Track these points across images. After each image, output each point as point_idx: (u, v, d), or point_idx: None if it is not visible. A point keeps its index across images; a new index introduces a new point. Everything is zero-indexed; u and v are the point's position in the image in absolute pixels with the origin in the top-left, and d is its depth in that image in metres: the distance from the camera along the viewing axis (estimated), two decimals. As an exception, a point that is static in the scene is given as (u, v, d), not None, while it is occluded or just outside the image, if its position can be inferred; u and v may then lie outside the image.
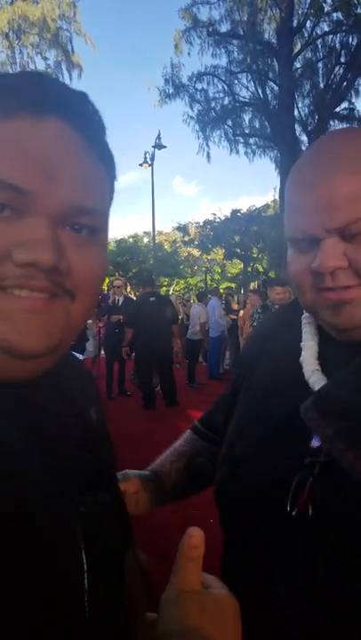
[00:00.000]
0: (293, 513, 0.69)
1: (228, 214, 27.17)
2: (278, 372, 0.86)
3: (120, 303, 8.31)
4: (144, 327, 7.20)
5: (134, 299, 9.42)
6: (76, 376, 0.75)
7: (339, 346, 0.77)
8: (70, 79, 18.47)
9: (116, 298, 8.39)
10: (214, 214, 29.81)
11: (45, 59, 17.93)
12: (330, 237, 0.67)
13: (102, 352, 8.81)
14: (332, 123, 16.18)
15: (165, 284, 39.15)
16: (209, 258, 33.29)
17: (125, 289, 10.66)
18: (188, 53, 17.16)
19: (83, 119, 0.55)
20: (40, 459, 0.55)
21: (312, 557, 0.67)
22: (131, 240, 40.63)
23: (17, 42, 17.21)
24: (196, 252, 35.03)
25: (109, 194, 0.62)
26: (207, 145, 17.95)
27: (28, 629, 0.47)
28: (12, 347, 0.51)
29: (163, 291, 33.88)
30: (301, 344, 0.82)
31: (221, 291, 13.68)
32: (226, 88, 17.08)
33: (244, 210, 27.56)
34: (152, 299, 7.42)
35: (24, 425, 0.56)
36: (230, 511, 0.84)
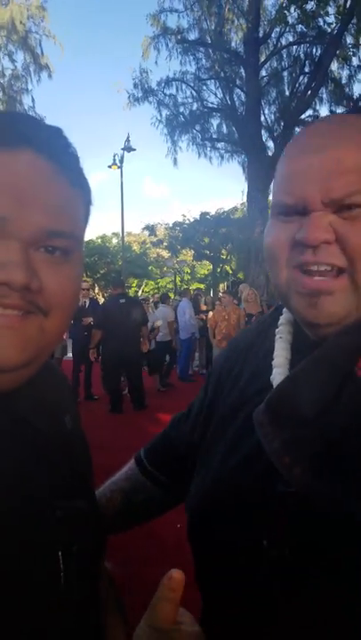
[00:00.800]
0: (271, 551, 0.65)
1: (198, 216, 27.35)
2: (250, 394, 0.80)
3: (87, 305, 8.17)
4: (112, 329, 7.06)
5: (101, 300, 9.26)
6: (52, 383, 0.76)
7: (311, 349, 0.68)
8: (39, 81, 18.47)
9: (83, 300, 8.17)
10: (184, 216, 29.91)
11: (13, 61, 17.85)
12: (321, 210, 0.63)
13: (68, 355, 8.65)
14: (297, 129, 16.62)
15: (135, 285, 38.96)
16: (178, 259, 33.45)
17: (93, 290, 10.52)
18: (156, 62, 17.46)
19: (55, 149, 0.59)
20: (15, 465, 0.58)
21: (292, 601, 0.62)
22: (99, 241, 40.23)
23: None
24: (165, 254, 35.07)
25: (84, 217, 0.65)
26: (175, 149, 18.20)
27: (3, 629, 0.50)
28: None
29: (132, 292, 33.71)
30: (273, 362, 0.76)
31: (191, 292, 13.65)
32: (194, 94, 17.37)
33: (213, 212, 27.83)
34: (122, 300, 7.29)
35: (4, 434, 0.59)
36: (205, 551, 0.77)
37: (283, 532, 0.64)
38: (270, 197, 0.83)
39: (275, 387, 0.69)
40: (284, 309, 0.81)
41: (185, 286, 29.04)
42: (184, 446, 0.93)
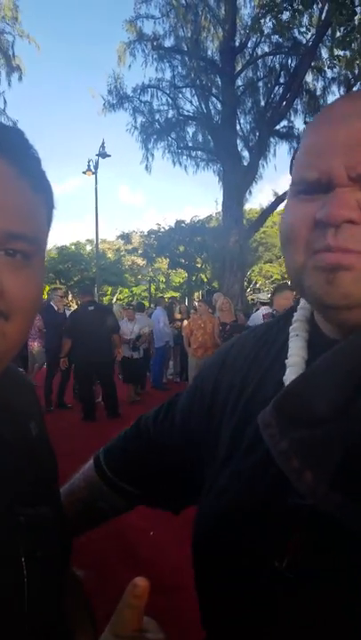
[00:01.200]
0: (284, 570, 0.59)
1: (173, 224, 27.39)
2: (258, 401, 0.72)
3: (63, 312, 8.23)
4: (82, 337, 7.02)
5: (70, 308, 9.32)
6: (16, 389, 0.76)
7: (328, 348, 0.62)
8: (9, 83, 18.15)
9: (63, 309, 8.29)
10: (158, 224, 30.01)
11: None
12: (348, 185, 0.57)
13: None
14: (272, 139, 16.79)
15: (109, 292, 38.84)
16: (153, 267, 33.42)
17: (67, 297, 10.48)
18: (129, 66, 17.33)
19: (15, 152, 0.58)
20: None
21: (305, 623, 0.58)
22: (73, 247, 40.01)
23: None
24: (140, 261, 35.04)
25: (46, 221, 0.65)
26: (150, 156, 18.11)
27: None
28: None
29: (106, 299, 33.60)
30: (286, 361, 0.70)
31: (166, 300, 13.73)
32: (170, 101, 17.34)
33: (188, 220, 27.91)
34: (91, 308, 7.26)
35: None
36: (212, 570, 0.71)
37: (296, 551, 0.59)
38: (245, 206, 0.74)
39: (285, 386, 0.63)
40: (299, 306, 0.76)
41: (160, 294, 28.97)
42: (167, 452, 0.88)
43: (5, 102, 17.61)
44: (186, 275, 31.21)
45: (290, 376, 0.66)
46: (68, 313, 8.38)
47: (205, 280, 28.51)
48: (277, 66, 15.80)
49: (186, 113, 17.43)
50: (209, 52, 16.51)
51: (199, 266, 28.12)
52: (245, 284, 25.01)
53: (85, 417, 7.27)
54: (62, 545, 0.72)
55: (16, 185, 0.57)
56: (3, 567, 0.56)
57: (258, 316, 7.88)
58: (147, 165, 18.28)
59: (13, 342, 0.59)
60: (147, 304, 16.29)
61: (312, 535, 0.58)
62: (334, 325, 0.65)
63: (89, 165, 20.06)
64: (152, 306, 13.08)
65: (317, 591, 0.57)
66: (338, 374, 0.57)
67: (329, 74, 15.47)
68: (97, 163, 19.99)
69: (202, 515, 0.77)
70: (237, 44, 15.43)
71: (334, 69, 14.16)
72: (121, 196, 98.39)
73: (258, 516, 0.65)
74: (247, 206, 23.74)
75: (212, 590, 0.71)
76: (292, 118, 16.57)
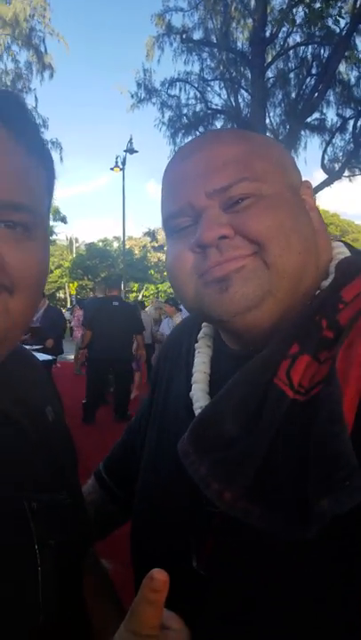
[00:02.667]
0: (200, 570, 0.63)
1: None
2: (171, 411, 0.78)
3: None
4: (101, 331, 6.74)
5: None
6: (30, 374, 0.74)
7: (233, 362, 0.67)
8: (42, 81, 18.24)
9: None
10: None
11: (17, 61, 17.68)
12: (211, 207, 0.62)
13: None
14: (303, 132, 16.42)
15: (135, 289, 39.05)
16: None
17: (94, 292, 10.59)
18: (158, 60, 17.17)
19: (10, 117, 0.55)
20: None
21: (216, 620, 0.61)
22: (100, 244, 40.38)
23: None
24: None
25: (47, 190, 0.62)
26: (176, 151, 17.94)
27: None
28: None
29: (132, 296, 33.79)
30: (192, 378, 0.74)
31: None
32: (198, 95, 17.10)
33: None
34: (115, 303, 6.99)
35: None
36: (142, 565, 0.72)
37: (210, 552, 0.63)
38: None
39: (197, 409, 0.68)
40: (203, 323, 0.80)
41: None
42: (137, 453, 0.89)
43: (37, 100, 17.74)
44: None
45: (196, 392, 0.71)
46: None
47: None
48: (309, 56, 15.41)
49: (214, 106, 17.19)
50: (239, 44, 16.23)
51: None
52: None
53: (85, 418, 6.76)
54: (81, 533, 0.68)
55: (12, 150, 0.55)
56: (15, 555, 0.54)
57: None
58: (173, 160, 18.14)
59: (18, 318, 0.57)
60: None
61: (225, 538, 0.62)
62: (234, 337, 0.68)
63: (117, 162, 20.06)
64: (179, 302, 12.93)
65: (231, 590, 0.60)
66: (241, 392, 0.60)
67: (364, 63, 14.96)
68: (124, 159, 19.98)
69: (133, 516, 0.82)
70: (268, 34, 15.04)
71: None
72: (149, 192, 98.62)
73: (177, 520, 0.68)
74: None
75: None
76: (325, 110, 16.16)
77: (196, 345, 0.79)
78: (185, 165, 0.65)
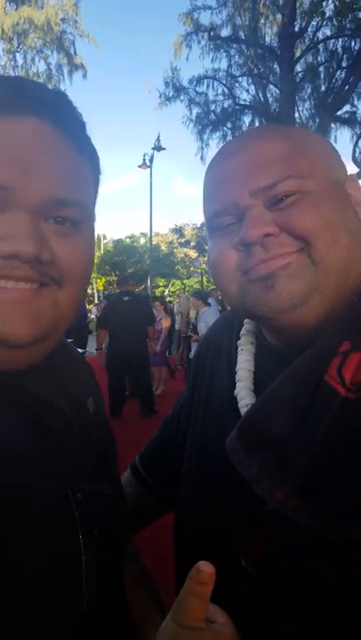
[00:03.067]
0: (249, 568, 0.63)
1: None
2: (214, 407, 0.77)
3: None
4: (115, 329, 6.69)
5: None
6: (73, 367, 0.75)
7: (276, 358, 0.66)
8: (71, 81, 18.54)
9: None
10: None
11: (48, 63, 17.97)
12: (255, 206, 0.61)
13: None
14: (333, 125, 16.24)
15: (162, 284, 39.18)
16: (206, 259, 33.33)
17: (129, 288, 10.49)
18: (187, 58, 17.24)
19: (60, 116, 0.56)
20: (36, 446, 0.56)
21: (267, 619, 0.60)
22: (128, 240, 40.62)
23: (20, 46, 17.29)
24: (192, 254, 35.09)
25: (93, 186, 0.63)
26: (205, 147, 17.97)
27: (25, 609, 0.48)
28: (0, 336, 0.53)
29: (159, 291, 33.91)
30: (236, 376, 0.73)
31: (219, 292, 13.56)
32: (226, 91, 17.11)
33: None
34: (126, 298, 6.85)
35: (20, 413, 0.57)
36: (187, 560, 0.71)
37: (258, 550, 0.62)
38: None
39: (242, 407, 0.67)
40: (246, 320, 0.79)
41: (212, 287, 28.83)
42: (176, 448, 0.88)
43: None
44: (239, 267, 30.78)
45: (240, 391, 0.70)
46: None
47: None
48: (340, 49, 15.23)
49: (242, 102, 17.15)
50: (267, 39, 16.16)
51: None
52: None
53: (112, 413, 6.56)
54: (122, 524, 0.69)
55: (62, 149, 0.56)
56: (60, 545, 0.54)
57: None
58: (202, 156, 18.17)
59: (66, 311, 0.58)
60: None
61: (274, 536, 0.61)
62: (278, 334, 0.67)
63: (144, 159, 20.19)
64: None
65: (278, 588, 0.60)
66: (290, 390, 0.60)
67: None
68: (152, 156, 20.10)
69: (177, 512, 0.82)
70: (297, 29, 14.95)
71: None
72: (176, 189, 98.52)
73: (224, 517, 0.68)
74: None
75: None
76: (356, 102, 15.92)
77: (238, 342, 0.78)
78: (228, 164, 0.65)
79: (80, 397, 0.71)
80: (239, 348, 0.76)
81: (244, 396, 0.69)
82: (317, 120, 16.02)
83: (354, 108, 16.00)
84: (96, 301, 30.08)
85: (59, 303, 0.56)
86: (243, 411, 0.67)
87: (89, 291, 41.01)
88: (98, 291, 37.89)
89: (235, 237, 0.62)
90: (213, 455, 0.72)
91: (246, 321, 0.78)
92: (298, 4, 14.56)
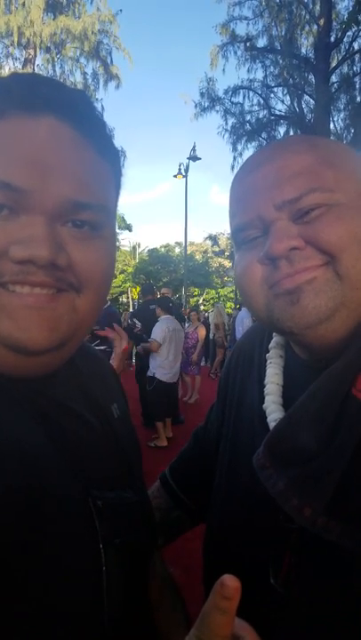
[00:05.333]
0: (278, 587, 0.61)
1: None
2: (244, 421, 0.76)
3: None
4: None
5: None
6: (97, 372, 0.74)
7: (305, 372, 0.66)
8: (106, 91, 18.96)
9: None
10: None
11: (84, 73, 18.38)
12: (280, 219, 0.60)
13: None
14: (368, 136, 16.00)
15: (196, 293, 39.25)
16: (240, 269, 33.22)
17: (155, 296, 10.59)
18: (223, 70, 17.27)
19: (78, 115, 0.54)
20: (55, 452, 0.54)
21: (298, 638, 0.59)
22: (162, 250, 40.93)
23: (57, 56, 17.79)
24: (227, 263, 35.03)
25: (114, 187, 0.61)
26: (239, 158, 17.99)
27: (44, 616, 0.46)
28: (15, 343, 0.51)
29: (193, 301, 33.96)
30: (265, 390, 0.72)
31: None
32: (261, 101, 17.12)
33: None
34: (153, 307, 6.93)
35: (41, 419, 0.56)
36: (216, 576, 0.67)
37: (287, 568, 0.61)
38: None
39: (271, 422, 0.66)
40: (275, 332, 0.77)
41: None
42: (206, 460, 0.88)
43: (103, 109, 18.37)
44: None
45: (269, 405, 0.69)
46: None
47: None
48: (376, 59, 15.04)
49: (277, 112, 17.13)
50: (303, 50, 16.11)
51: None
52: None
53: (145, 423, 6.81)
54: (146, 533, 0.66)
55: (81, 150, 0.54)
56: (79, 554, 0.51)
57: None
58: (234, 167, 18.24)
59: (85, 317, 0.56)
60: (230, 306, 16.15)
61: (304, 555, 0.60)
62: (306, 349, 0.66)
63: (180, 169, 20.41)
64: (237, 307, 12.97)
65: (308, 608, 0.58)
66: (318, 404, 0.58)
67: None
68: (187, 166, 20.28)
69: (208, 527, 0.81)
70: (333, 39, 14.88)
71: None
72: (212, 198, 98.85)
73: (254, 534, 0.67)
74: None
75: None
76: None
77: (267, 355, 0.77)
78: (253, 177, 0.64)
79: (104, 403, 0.69)
80: (268, 362, 0.75)
81: (273, 411, 0.68)
82: (353, 131, 15.83)
83: (389, 119, 15.74)
84: (131, 309, 30.43)
85: (77, 309, 0.55)
86: (271, 425, 0.66)
87: (124, 299, 41.55)
88: (133, 300, 38.32)
89: (260, 251, 0.62)
90: (243, 470, 0.71)
91: (275, 334, 0.78)
92: (334, 15, 14.52)
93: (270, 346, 0.77)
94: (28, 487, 0.49)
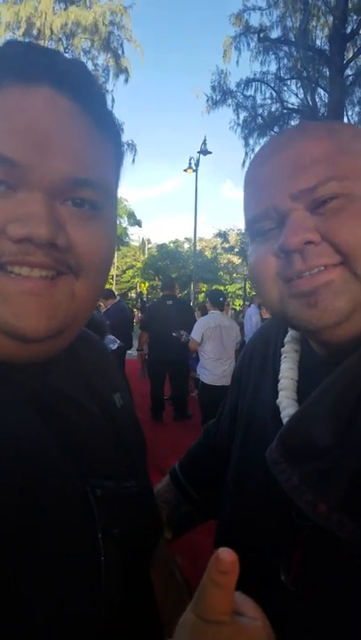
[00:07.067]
0: (289, 584, 0.60)
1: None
2: (257, 417, 0.75)
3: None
4: (157, 332, 6.74)
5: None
6: (101, 362, 0.72)
7: (322, 367, 0.64)
8: (116, 84, 18.78)
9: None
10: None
11: (95, 65, 18.25)
12: (296, 210, 0.58)
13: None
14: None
15: (205, 290, 39.21)
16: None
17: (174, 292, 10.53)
18: (237, 62, 17.09)
19: (77, 86, 0.51)
20: (55, 439, 0.53)
21: (308, 636, 0.57)
22: (172, 245, 40.95)
23: (68, 47, 17.66)
24: (236, 260, 34.95)
25: (115, 166, 0.58)
26: (251, 152, 17.78)
27: (40, 606, 0.45)
28: (12, 330, 0.49)
29: (201, 297, 33.96)
30: (278, 385, 0.70)
31: (260, 298, 13.48)
32: (274, 95, 16.91)
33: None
34: (169, 302, 6.88)
35: (38, 407, 0.54)
36: None
37: (299, 565, 0.60)
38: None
39: (284, 417, 0.65)
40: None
41: (254, 293, 28.57)
42: (217, 455, 0.87)
43: (113, 101, 18.25)
44: (283, 274, 30.49)
45: (283, 400, 0.68)
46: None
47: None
48: (392, 52, 14.75)
49: (290, 106, 16.91)
50: (318, 42, 15.87)
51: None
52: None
53: (154, 416, 6.83)
54: (148, 524, 0.64)
55: (80, 123, 0.51)
56: (76, 544, 0.50)
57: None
58: (245, 162, 18.01)
59: (84, 304, 0.55)
60: (239, 302, 16.11)
61: (316, 552, 0.59)
62: (322, 346, 0.65)
63: (190, 163, 20.23)
64: (246, 304, 12.86)
65: (320, 606, 0.57)
66: (333, 400, 0.57)
67: None
68: (198, 160, 20.10)
69: (219, 522, 0.80)
70: (348, 31, 14.58)
71: None
72: (223, 194, 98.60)
73: (265, 530, 0.65)
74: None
75: None
76: None
77: (282, 349, 0.75)
78: (268, 166, 0.61)
79: (106, 391, 0.68)
80: (282, 356, 0.74)
81: (287, 406, 0.67)
82: (367, 124, 15.56)
83: None
84: (139, 305, 30.46)
85: (76, 295, 0.53)
86: (285, 421, 0.64)
87: (133, 295, 41.74)
88: (142, 295, 38.40)
89: (275, 243, 0.59)
90: (255, 466, 0.70)
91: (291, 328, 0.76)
92: (351, 6, 14.21)
93: (286, 340, 0.75)
94: (23, 474, 0.47)
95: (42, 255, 0.48)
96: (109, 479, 0.57)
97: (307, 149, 0.59)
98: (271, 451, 0.60)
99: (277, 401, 0.69)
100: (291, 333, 0.76)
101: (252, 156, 0.68)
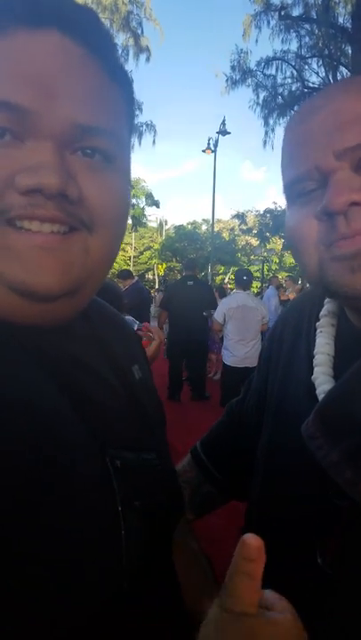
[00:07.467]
0: (326, 568, 0.58)
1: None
2: (290, 394, 0.72)
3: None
4: (176, 312, 6.69)
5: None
6: (119, 333, 0.71)
7: (359, 341, 0.61)
8: (137, 63, 18.59)
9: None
10: (275, 202, 29.43)
11: (114, 44, 18.07)
12: (340, 169, 0.54)
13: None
14: None
15: (222, 271, 39.08)
16: (267, 247, 32.93)
17: (181, 274, 10.58)
18: (256, 40, 16.73)
19: (86, 31, 0.49)
20: (71, 407, 0.51)
21: (340, 624, 0.56)
22: (189, 227, 40.74)
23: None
24: (254, 241, 34.71)
25: (126, 114, 0.55)
26: (271, 132, 17.59)
27: (59, 579, 0.43)
28: (24, 287, 0.47)
29: (219, 279, 33.90)
30: (314, 361, 0.68)
31: (280, 280, 13.42)
32: (295, 74, 16.63)
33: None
34: (190, 282, 6.85)
35: (54, 373, 0.52)
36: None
37: (336, 548, 0.57)
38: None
39: (320, 394, 0.62)
40: (326, 300, 0.73)
41: (272, 275, 28.46)
42: (242, 432, 0.86)
43: (132, 80, 18.08)
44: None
45: (319, 376, 0.65)
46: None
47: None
48: None
49: (311, 85, 16.62)
50: (340, 19, 15.47)
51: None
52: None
53: (170, 396, 6.81)
54: (170, 497, 0.63)
55: (90, 69, 0.49)
56: (95, 516, 0.48)
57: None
58: (265, 142, 17.84)
59: (98, 260, 0.52)
60: (257, 285, 16.03)
61: (354, 534, 0.56)
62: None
63: (208, 143, 20.08)
64: (265, 285, 12.89)
65: (358, 590, 0.55)
66: None
67: None
68: (217, 140, 19.94)
69: (249, 504, 0.78)
70: (372, 7, 14.23)
71: None
72: (244, 174, 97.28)
73: (300, 511, 0.63)
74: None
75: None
76: None
77: (318, 324, 0.71)
78: (309, 123, 0.57)
79: (124, 362, 0.66)
80: (318, 331, 0.70)
81: (323, 382, 0.64)
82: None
83: None
84: (157, 286, 30.54)
85: (90, 251, 0.50)
86: (321, 398, 0.62)
87: (150, 276, 41.75)
88: (159, 276, 38.39)
89: (317, 205, 0.56)
90: (287, 444, 0.68)
91: (327, 301, 0.72)
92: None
93: (321, 314, 0.72)
94: (39, 442, 0.46)
95: (53, 208, 0.46)
96: (129, 450, 0.56)
97: (350, 105, 0.55)
98: (308, 425, 0.57)
99: (313, 377, 0.66)
100: (327, 307, 0.72)
101: (292, 115, 0.64)
